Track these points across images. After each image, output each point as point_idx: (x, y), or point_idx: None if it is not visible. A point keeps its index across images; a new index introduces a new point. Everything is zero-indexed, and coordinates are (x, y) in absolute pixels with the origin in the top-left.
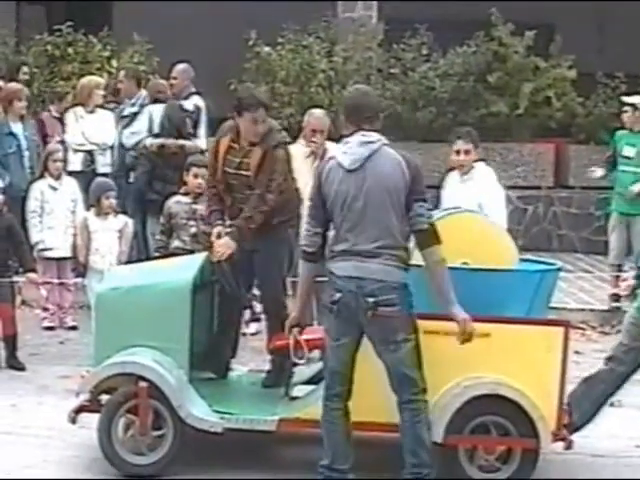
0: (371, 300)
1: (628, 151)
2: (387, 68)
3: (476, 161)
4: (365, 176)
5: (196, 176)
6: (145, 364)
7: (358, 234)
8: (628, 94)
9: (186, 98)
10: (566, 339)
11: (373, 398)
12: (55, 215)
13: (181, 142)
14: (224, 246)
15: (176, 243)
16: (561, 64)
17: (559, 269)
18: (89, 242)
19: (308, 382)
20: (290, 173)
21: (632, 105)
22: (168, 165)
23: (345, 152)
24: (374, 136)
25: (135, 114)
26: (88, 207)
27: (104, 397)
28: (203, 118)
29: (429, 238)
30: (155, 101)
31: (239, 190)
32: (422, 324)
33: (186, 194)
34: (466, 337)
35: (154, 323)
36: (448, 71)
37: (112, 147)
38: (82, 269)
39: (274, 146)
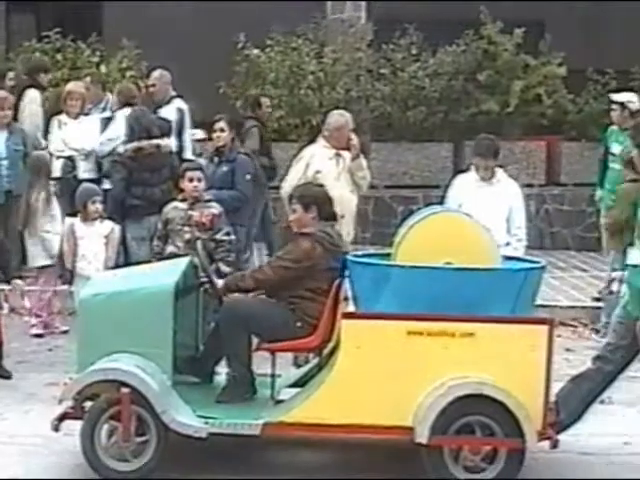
0: None
1: (616, 148)
2: (377, 68)
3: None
4: None
5: (191, 180)
6: (127, 370)
7: None
8: (618, 90)
9: (168, 102)
10: (550, 337)
11: (369, 400)
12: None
13: (156, 142)
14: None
15: (170, 248)
16: (551, 61)
17: (543, 267)
18: (75, 248)
19: (294, 385)
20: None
21: (620, 103)
22: (145, 168)
23: None
24: None
25: (108, 119)
26: (69, 213)
27: (88, 404)
28: (187, 121)
29: None
30: (125, 105)
31: None
32: (405, 324)
33: (183, 200)
34: None
35: (137, 328)
36: (438, 70)
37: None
38: (69, 275)
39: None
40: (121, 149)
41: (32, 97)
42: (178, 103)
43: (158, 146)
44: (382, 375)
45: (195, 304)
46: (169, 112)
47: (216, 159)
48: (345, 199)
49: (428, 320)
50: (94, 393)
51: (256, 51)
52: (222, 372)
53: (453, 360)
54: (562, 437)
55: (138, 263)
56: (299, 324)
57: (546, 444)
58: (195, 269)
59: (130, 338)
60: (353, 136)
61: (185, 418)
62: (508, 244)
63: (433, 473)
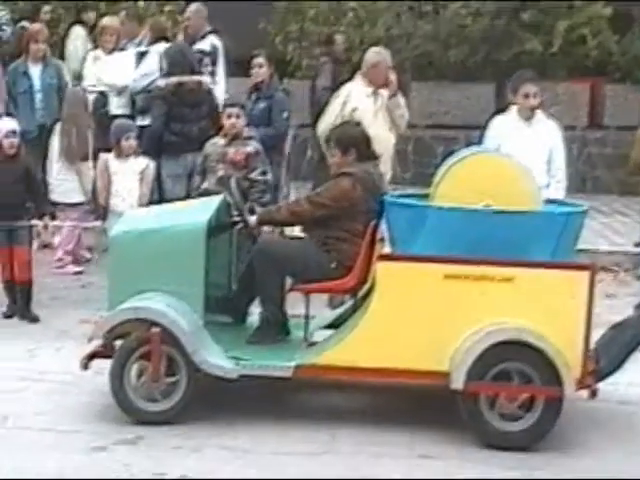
0: None
1: None
2: (418, 6)
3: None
4: None
5: (230, 116)
6: (158, 309)
7: None
8: None
9: (202, 38)
10: (592, 283)
11: (404, 344)
12: None
13: (197, 78)
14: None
15: (205, 185)
16: (596, 1)
17: (585, 211)
18: (109, 185)
19: (328, 327)
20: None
21: None
22: (185, 104)
23: None
24: None
25: (142, 54)
26: (103, 148)
27: (118, 342)
28: (221, 58)
29: None
30: (158, 40)
31: None
32: (442, 268)
33: (225, 136)
34: None
35: (168, 267)
36: (480, 9)
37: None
38: (102, 212)
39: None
40: (162, 83)
41: (77, 33)
42: (212, 39)
43: (200, 82)
44: (417, 319)
45: (228, 243)
46: (203, 47)
47: (254, 95)
48: (382, 138)
49: (466, 263)
50: (124, 332)
51: None
52: (255, 312)
53: (491, 305)
54: (601, 386)
55: (173, 200)
56: (334, 265)
57: (584, 393)
58: (229, 207)
59: (162, 277)
60: (391, 74)
61: (216, 359)
62: (548, 185)
63: (468, 420)
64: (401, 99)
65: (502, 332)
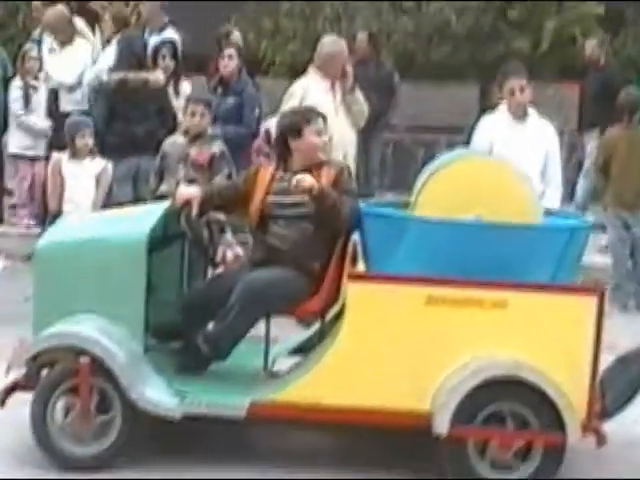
0: None
1: None
2: (399, 1)
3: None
4: None
5: (194, 114)
6: (87, 335)
7: None
8: None
9: (161, 30)
10: (600, 309)
11: (378, 379)
12: None
13: (144, 75)
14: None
15: (163, 187)
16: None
17: (591, 226)
18: (62, 189)
19: (295, 351)
20: None
21: None
22: (130, 102)
23: None
24: None
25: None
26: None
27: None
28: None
29: None
30: (120, 31)
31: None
32: (425, 290)
33: (186, 134)
34: None
35: (103, 285)
36: (465, 6)
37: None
38: (52, 218)
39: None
40: (105, 77)
41: (80, 26)
42: (170, 32)
43: (146, 81)
44: (394, 350)
45: (179, 256)
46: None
47: (220, 89)
48: (346, 136)
49: (452, 285)
50: (50, 361)
51: None
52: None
53: (481, 335)
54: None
55: (121, 205)
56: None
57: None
58: (178, 214)
59: (95, 296)
60: (348, 66)
61: (156, 395)
62: (543, 193)
63: (453, 470)
64: (359, 93)
65: (494, 367)
